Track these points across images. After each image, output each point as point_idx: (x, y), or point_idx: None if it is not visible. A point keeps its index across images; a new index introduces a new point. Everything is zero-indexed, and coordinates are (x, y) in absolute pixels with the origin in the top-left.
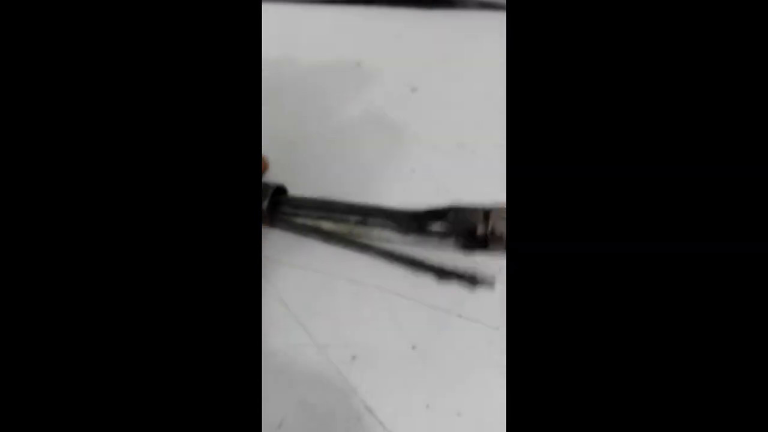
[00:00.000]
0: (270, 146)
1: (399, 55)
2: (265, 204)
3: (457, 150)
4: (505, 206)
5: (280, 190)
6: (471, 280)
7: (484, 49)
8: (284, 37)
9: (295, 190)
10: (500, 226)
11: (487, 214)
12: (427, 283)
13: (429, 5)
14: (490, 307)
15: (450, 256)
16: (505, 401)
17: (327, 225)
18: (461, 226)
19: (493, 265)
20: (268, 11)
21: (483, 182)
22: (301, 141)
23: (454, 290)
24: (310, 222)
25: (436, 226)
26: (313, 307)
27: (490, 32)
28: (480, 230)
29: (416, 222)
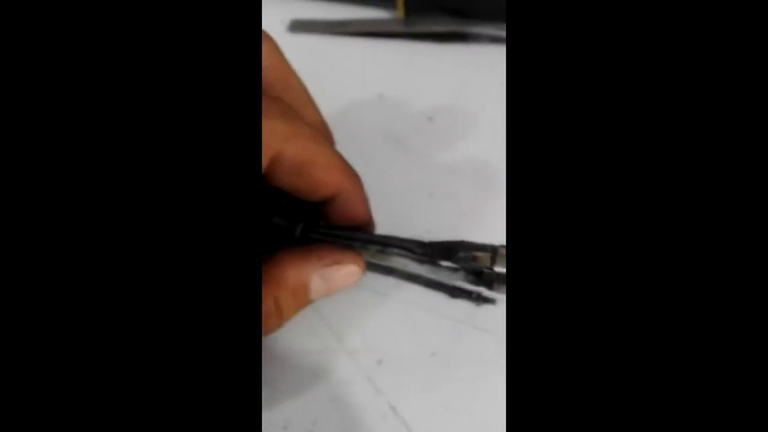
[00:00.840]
0: None
1: (418, 86)
2: (298, 230)
3: (474, 174)
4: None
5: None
6: (477, 298)
7: (499, 82)
8: (312, 68)
9: None
10: (503, 268)
11: (493, 257)
12: (445, 297)
13: (445, 40)
14: (501, 319)
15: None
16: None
17: None
18: (468, 266)
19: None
20: (296, 41)
21: (497, 204)
22: None
23: (469, 304)
24: None
25: (446, 263)
26: (343, 316)
27: (500, 65)
28: (486, 274)
29: (429, 255)
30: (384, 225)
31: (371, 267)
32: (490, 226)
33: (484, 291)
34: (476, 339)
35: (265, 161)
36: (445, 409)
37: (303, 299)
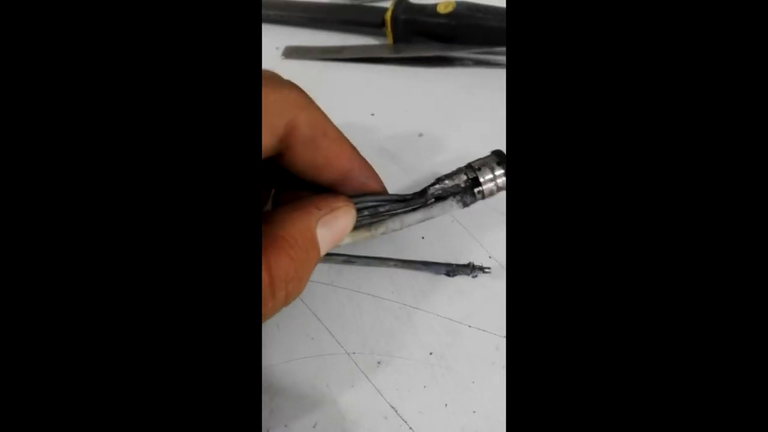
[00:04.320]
0: None
1: (407, 106)
2: None
3: None
4: (482, 156)
5: None
6: (473, 269)
7: (480, 101)
8: (307, 91)
9: None
10: (485, 172)
11: (470, 165)
12: (441, 298)
13: (431, 64)
14: (495, 317)
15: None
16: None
17: (346, 239)
18: (454, 182)
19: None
20: (291, 67)
21: (483, 210)
22: None
23: (464, 304)
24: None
25: (435, 190)
26: (342, 319)
27: (484, 87)
28: (477, 179)
29: (419, 195)
30: None
31: (363, 260)
32: (480, 229)
33: (475, 263)
34: (473, 337)
35: (280, 128)
36: (446, 407)
37: (316, 254)
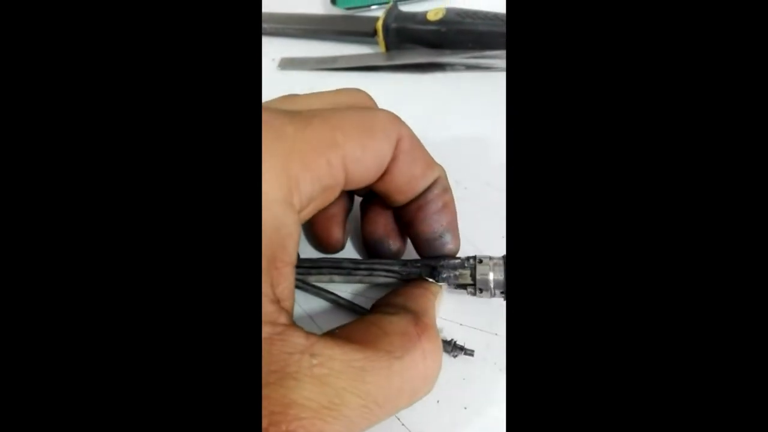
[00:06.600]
0: None
1: (401, 112)
2: None
3: (455, 185)
4: (487, 256)
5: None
6: (454, 348)
7: (471, 103)
8: None
9: None
10: (484, 274)
11: (473, 267)
12: None
13: (423, 70)
14: (487, 316)
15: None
16: (503, 395)
17: (338, 278)
18: (452, 279)
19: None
20: (287, 78)
21: (475, 210)
22: None
23: (456, 302)
24: (323, 279)
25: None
26: (336, 317)
27: (477, 91)
28: (469, 281)
29: (412, 274)
30: None
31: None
32: (470, 231)
33: (459, 341)
34: (466, 334)
35: (394, 139)
36: (437, 403)
37: None
